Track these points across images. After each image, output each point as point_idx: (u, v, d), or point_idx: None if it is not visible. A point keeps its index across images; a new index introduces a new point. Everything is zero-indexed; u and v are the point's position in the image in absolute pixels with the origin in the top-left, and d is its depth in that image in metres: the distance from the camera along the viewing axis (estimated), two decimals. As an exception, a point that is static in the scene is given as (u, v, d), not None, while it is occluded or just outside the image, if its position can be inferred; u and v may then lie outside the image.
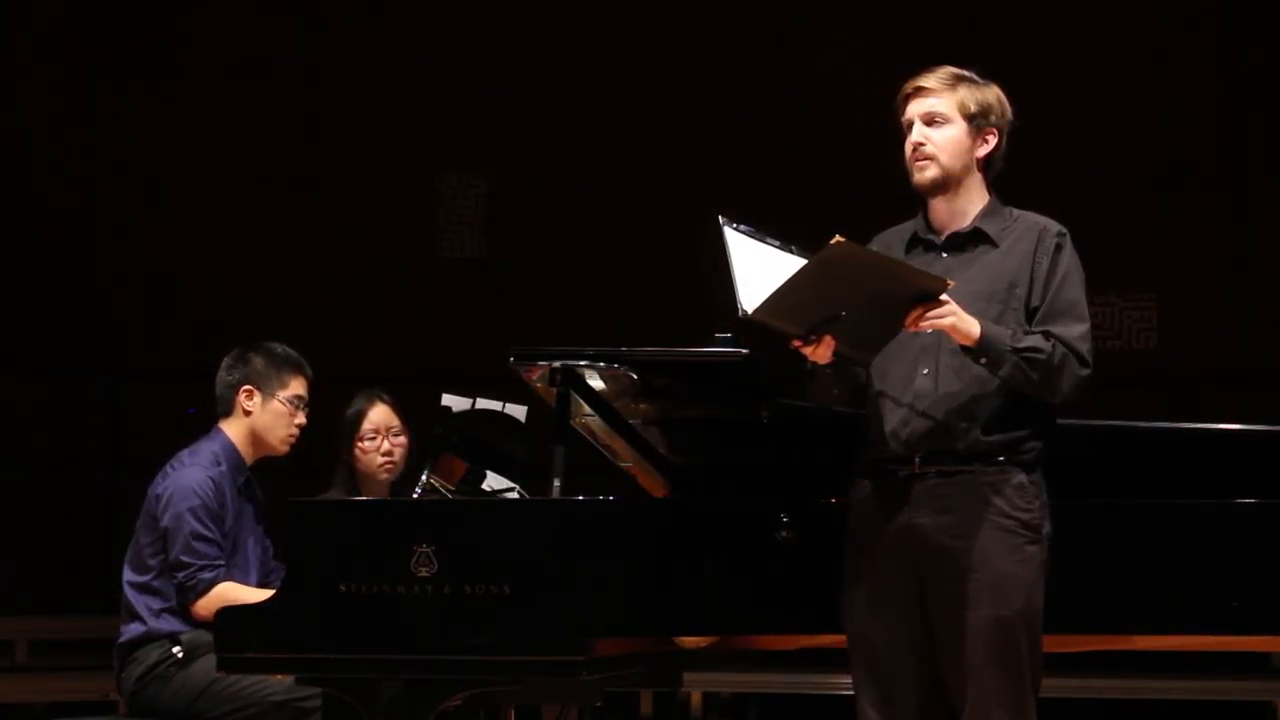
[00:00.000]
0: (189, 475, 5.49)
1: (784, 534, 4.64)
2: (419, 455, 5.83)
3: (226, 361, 5.66)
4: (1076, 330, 4.44)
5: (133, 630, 5.48)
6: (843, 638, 4.62)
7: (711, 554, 4.68)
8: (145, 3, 10.62)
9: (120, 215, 10.48)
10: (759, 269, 4.36)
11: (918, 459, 4.42)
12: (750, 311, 4.28)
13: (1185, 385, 9.96)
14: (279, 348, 5.67)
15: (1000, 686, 4.38)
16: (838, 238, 4.24)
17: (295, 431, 5.65)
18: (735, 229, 4.43)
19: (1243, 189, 10.29)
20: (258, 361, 5.62)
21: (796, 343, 4.34)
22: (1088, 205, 9.31)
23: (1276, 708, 8.43)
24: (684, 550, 4.69)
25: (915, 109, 4.51)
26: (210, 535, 5.42)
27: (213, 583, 5.38)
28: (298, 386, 5.63)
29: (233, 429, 5.62)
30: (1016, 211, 4.58)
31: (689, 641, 4.86)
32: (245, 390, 5.60)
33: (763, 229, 4.48)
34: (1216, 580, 4.64)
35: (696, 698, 8.85)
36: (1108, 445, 4.92)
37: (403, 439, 5.96)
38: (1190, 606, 4.66)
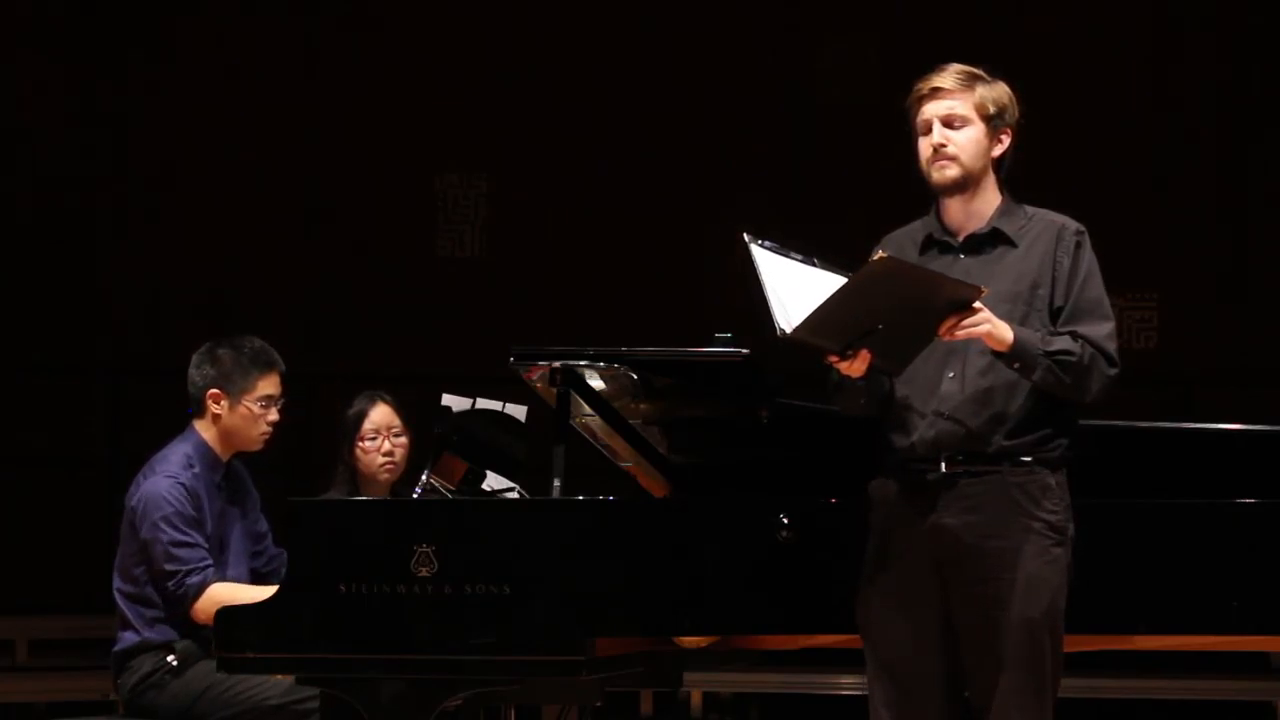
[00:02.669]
0: (157, 485, 5.40)
1: (784, 534, 4.64)
2: (420, 455, 5.82)
3: (195, 359, 5.55)
4: (1103, 330, 4.45)
5: (127, 639, 5.43)
6: (843, 638, 4.61)
7: (711, 554, 4.68)
8: (144, 3, 10.62)
9: (120, 214, 10.49)
10: (788, 285, 4.34)
11: (944, 460, 4.41)
12: (789, 331, 4.27)
13: (1185, 385, 9.96)
14: (247, 345, 5.54)
15: (1023, 688, 4.38)
16: (880, 253, 4.24)
17: (267, 430, 5.54)
18: (761, 245, 4.41)
19: (1243, 190, 10.29)
20: (225, 362, 5.50)
21: (833, 358, 4.33)
22: (1088, 205, 9.31)
23: (1276, 708, 8.44)
24: (684, 550, 4.68)
25: (933, 109, 4.48)
26: (189, 540, 5.35)
27: (203, 585, 5.32)
28: (265, 386, 5.51)
29: (205, 429, 5.54)
30: (1031, 209, 4.56)
31: (689, 641, 4.85)
32: (212, 394, 5.50)
33: (766, 232, 4.46)
34: (1216, 580, 4.64)
35: (696, 698, 8.85)
36: (1108, 445, 4.92)
37: (404, 439, 5.95)
38: (1190, 606, 4.66)
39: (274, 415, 5.55)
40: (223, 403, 5.51)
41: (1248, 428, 5.00)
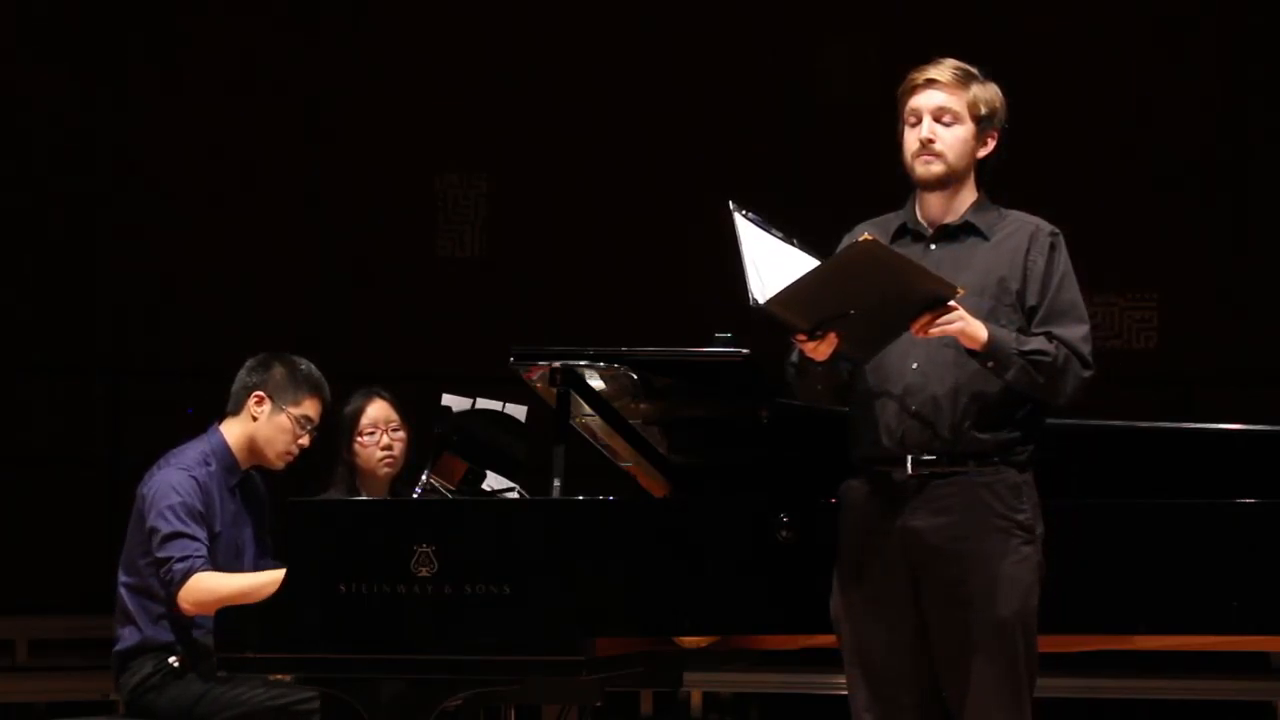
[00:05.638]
0: (168, 475, 5.43)
1: (784, 534, 4.64)
2: (419, 455, 5.82)
3: (249, 363, 5.60)
4: (1078, 332, 4.42)
5: (128, 637, 5.43)
6: (843, 637, 4.61)
7: (711, 554, 4.68)
8: (145, 2, 10.62)
9: (121, 214, 10.48)
10: (766, 259, 4.36)
11: (910, 459, 4.41)
12: (762, 302, 4.27)
13: (1185, 385, 9.96)
14: (304, 365, 5.60)
15: (999, 687, 4.38)
16: (866, 235, 4.23)
17: (294, 450, 5.57)
18: (745, 216, 4.42)
19: (1243, 189, 10.29)
20: (279, 372, 5.56)
21: (801, 337, 4.33)
22: (1088, 205, 9.33)
23: (1276, 708, 8.44)
24: (684, 550, 4.68)
25: (925, 102, 4.46)
26: (188, 531, 5.35)
27: (188, 572, 5.29)
28: (309, 408, 5.56)
29: (232, 431, 5.57)
30: (1006, 210, 4.55)
31: (689, 641, 4.85)
32: (257, 396, 5.54)
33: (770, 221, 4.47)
34: (1216, 580, 4.64)
35: (696, 698, 8.85)
36: (1108, 445, 4.92)
37: (402, 434, 5.96)
38: (1190, 606, 4.65)
39: (305, 440, 5.58)
40: (264, 406, 5.54)
41: (1248, 428, 4.99)
